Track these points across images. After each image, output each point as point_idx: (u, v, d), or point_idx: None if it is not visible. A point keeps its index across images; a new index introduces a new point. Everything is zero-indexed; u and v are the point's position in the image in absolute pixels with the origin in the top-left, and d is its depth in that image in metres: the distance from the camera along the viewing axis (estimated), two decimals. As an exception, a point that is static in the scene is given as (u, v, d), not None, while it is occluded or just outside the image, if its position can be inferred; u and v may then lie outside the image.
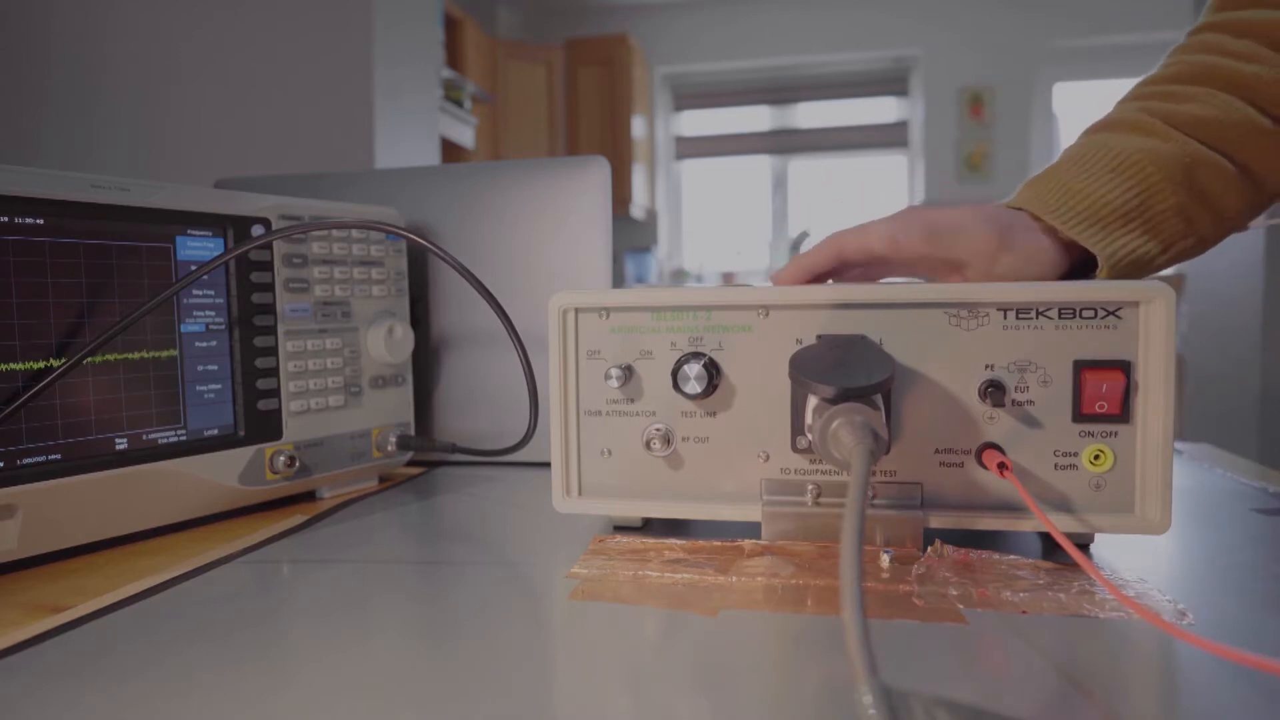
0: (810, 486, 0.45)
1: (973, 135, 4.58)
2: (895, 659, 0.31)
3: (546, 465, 0.67)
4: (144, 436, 0.48)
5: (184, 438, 0.50)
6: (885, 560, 0.42)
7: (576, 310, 0.46)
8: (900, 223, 0.52)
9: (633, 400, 0.46)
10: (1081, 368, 0.42)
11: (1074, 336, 0.42)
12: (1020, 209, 0.53)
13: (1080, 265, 0.53)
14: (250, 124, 2.07)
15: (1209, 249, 0.56)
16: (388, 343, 0.61)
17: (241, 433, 0.53)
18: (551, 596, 0.39)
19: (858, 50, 4.76)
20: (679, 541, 0.46)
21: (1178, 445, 0.72)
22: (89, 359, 0.45)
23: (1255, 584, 0.39)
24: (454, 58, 3.78)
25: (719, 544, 0.45)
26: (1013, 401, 0.42)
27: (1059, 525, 0.41)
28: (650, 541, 0.46)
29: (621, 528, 0.49)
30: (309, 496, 0.60)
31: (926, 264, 0.54)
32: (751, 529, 0.46)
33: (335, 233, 0.59)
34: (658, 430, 0.45)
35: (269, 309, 0.55)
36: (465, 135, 3.61)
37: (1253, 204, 0.55)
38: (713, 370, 0.44)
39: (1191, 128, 0.52)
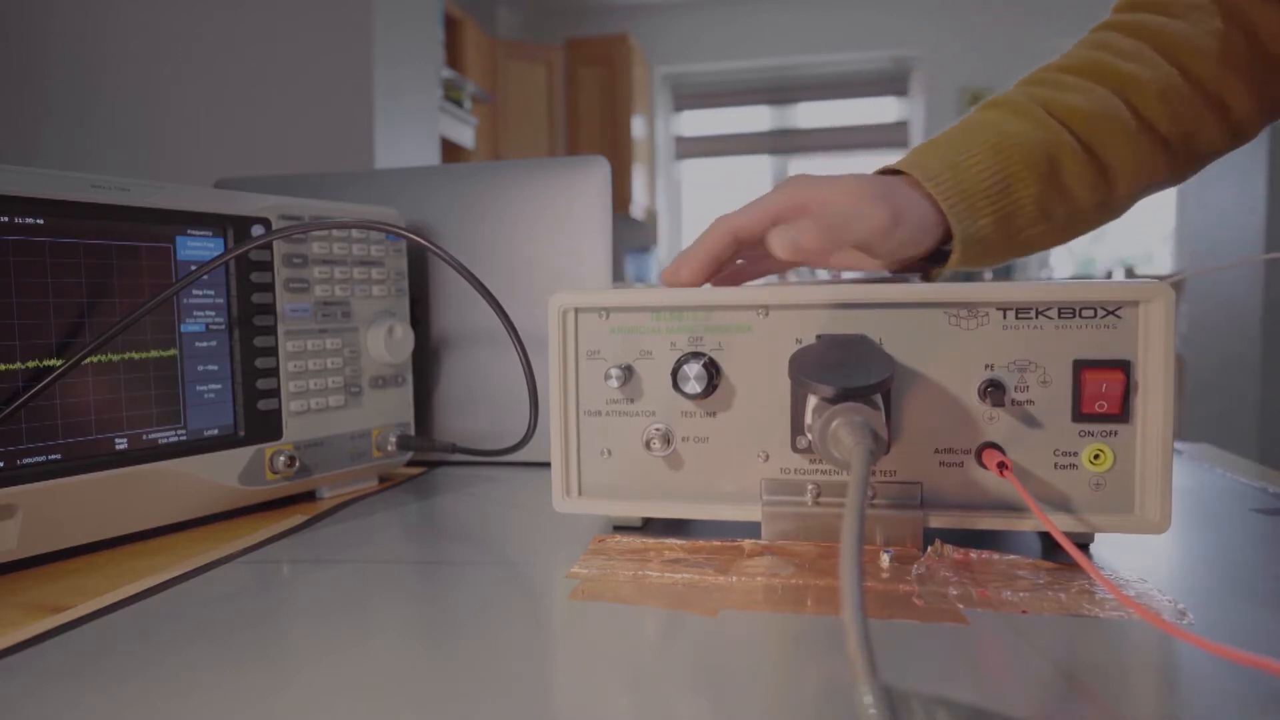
0: (810, 486, 0.45)
1: (973, 135, 4.58)
2: (895, 659, 0.31)
3: (546, 465, 0.67)
4: (144, 436, 0.48)
5: (184, 438, 0.50)
6: (885, 560, 0.42)
7: (576, 310, 0.46)
8: (791, 215, 0.50)
9: (633, 400, 0.46)
10: (1081, 367, 0.42)
11: (1074, 336, 0.42)
12: (904, 172, 0.54)
13: (948, 234, 0.54)
14: (250, 124, 2.07)
15: (1058, 244, 0.58)
16: (388, 343, 0.61)
17: (241, 433, 0.53)
18: (551, 596, 0.39)
19: (858, 50, 4.76)
20: (679, 541, 0.46)
21: (1178, 445, 0.72)
22: (89, 359, 0.45)
23: (1255, 584, 0.39)
24: (454, 58, 3.78)
25: (719, 544, 0.45)
26: (1012, 401, 0.42)
27: (1059, 525, 0.41)
28: (650, 541, 0.46)
29: (621, 528, 0.49)
30: (309, 496, 0.60)
31: (827, 255, 0.51)
32: (751, 529, 0.46)
33: (335, 233, 0.59)
34: (658, 430, 0.45)
35: (269, 309, 0.55)
36: (465, 135, 3.61)
37: (1104, 201, 0.57)
38: (712, 370, 0.44)
39: (1067, 117, 0.55)
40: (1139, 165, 0.56)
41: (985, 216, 0.53)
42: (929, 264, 0.57)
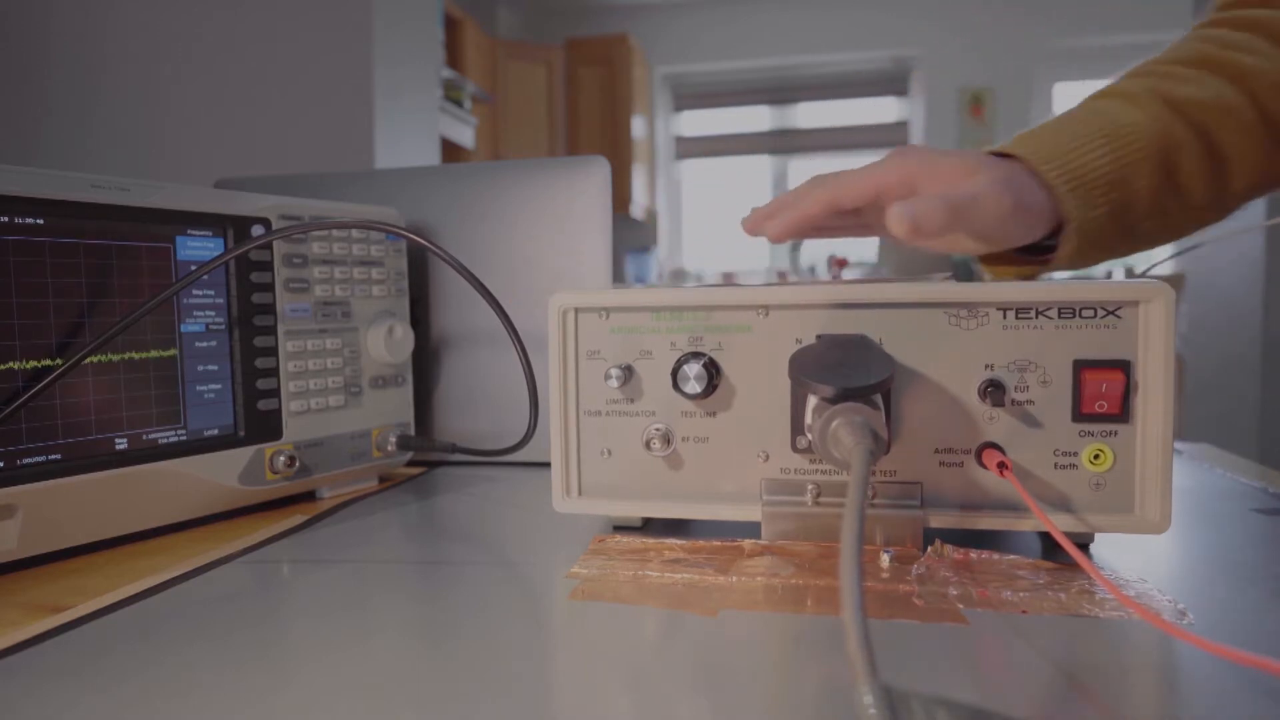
0: (810, 486, 0.45)
1: (973, 135, 4.58)
2: (895, 659, 0.31)
3: (546, 465, 0.67)
4: (144, 436, 0.48)
5: (184, 438, 0.50)
6: (885, 560, 0.42)
7: (576, 310, 0.46)
8: (899, 190, 0.50)
9: (633, 400, 0.46)
10: (1081, 367, 0.42)
11: (1074, 336, 0.42)
12: (1016, 156, 0.53)
13: (1056, 227, 0.53)
14: (250, 124, 2.07)
15: (1166, 242, 0.57)
16: (388, 343, 0.61)
17: (241, 433, 0.53)
18: (551, 596, 0.39)
19: (858, 50, 4.76)
20: (679, 541, 0.46)
21: (1178, 445, 0.72)
22: (89, 359, 0.45)
23: (1255, 584, 0.39)
24: (454, 58, 3.78)
25: (719, 544, 0.45)
26: (1012, 401, 0.42)
27: (1059, 525, 0.41)
28: (650, 541, 0.46)
29: (621, 528, 0.49)
30: (309, 496, 0.60)
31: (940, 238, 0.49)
32: (751, 529, 0.46)
33: (335, 233, 0.59)
34: (658, 430, 0.45)
35: (269, 309, 0.55)
36: (465, 135, 3.61)
37: (1218, 198, 0.56)
38: (712, 370, 0.44)
39: (1185, 108, 0.53)
40: (1257, 159, 0.54)
41: (1101, 207, 0.51)
42: (1028, 257, 0.56)
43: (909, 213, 0.45)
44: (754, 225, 0.52)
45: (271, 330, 0.55)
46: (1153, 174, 0.52)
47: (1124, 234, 0.54)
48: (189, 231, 0.51)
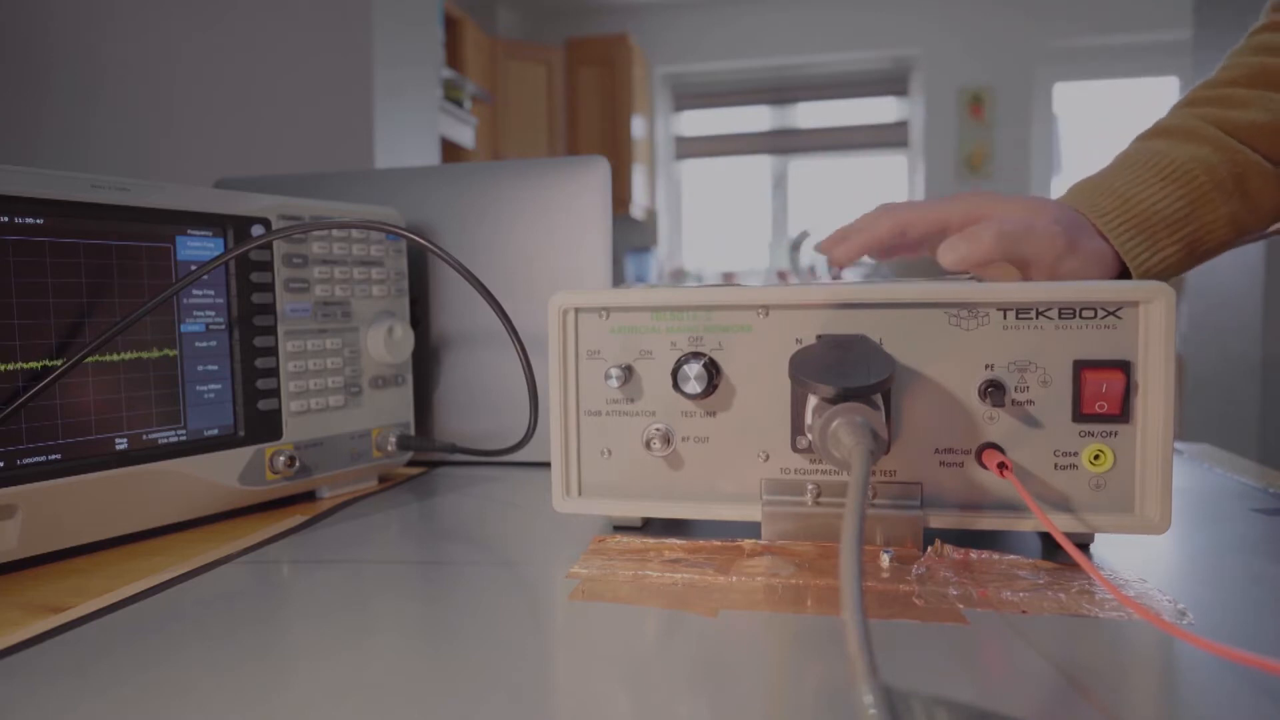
0: (810, 486, 0.45)
1: (973, 135, 4.59)
2: (895, 659, 0.31)
3: (546, 465, 0.67)
4: (144, 436, 0.48)
5: (184, 438, 0.50)
6: (885, 560, 0.42)
7: (576, 310, 0.46)
8: (968, 217, 0.52)
9: (633, 400, 0.46)
10: (1081, 368, 0.42)
11: (1074, 336, 0.42)
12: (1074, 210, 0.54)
13: (1124, 267, 0.54)
14: (250, 124, 2.07)
15: (1246, 244, 0.57)
16: (388, 343, 0.61)
17: (241, 433, 0.53)
18: (551, 596, 0.39)
19: (858, 50, 4.76)
20: (679, 541, 0.46)
21: (1178, 445, 0.72)
22: (89, 359, 0.45)
23: (1255, 584, 0.39)
24: (454, 58, 3.78)
25: (719, 544, 0.45)
26: (1013, 401, 0.42)
27: (1059, 525, 0.41)
28: (650, 541, 0.46)
29: (621, 528, 0.49)
30: (309, 496, 0.60)
31: (991, 263, 0.52)
32: (751, 529, 0.46)
33: (335, 233, 0.59)
34: (658, 430, 0.45)
35: (269, 309, 0.55)
36: (465, 135, 3.61)
37: None
38: (713, 370, 0.44)
39: (1247, 135, 0.53)
40: None
41: (1168, 246, 0.52)
42: None
43: (959, 250, 0.48)
44: (826, 247, 0.55)
45: (271, 330, 0.55)
46: (1225, 203, 0.52)
47: (1198, 260, 0.54)
48: (189, 231, 0.51)
